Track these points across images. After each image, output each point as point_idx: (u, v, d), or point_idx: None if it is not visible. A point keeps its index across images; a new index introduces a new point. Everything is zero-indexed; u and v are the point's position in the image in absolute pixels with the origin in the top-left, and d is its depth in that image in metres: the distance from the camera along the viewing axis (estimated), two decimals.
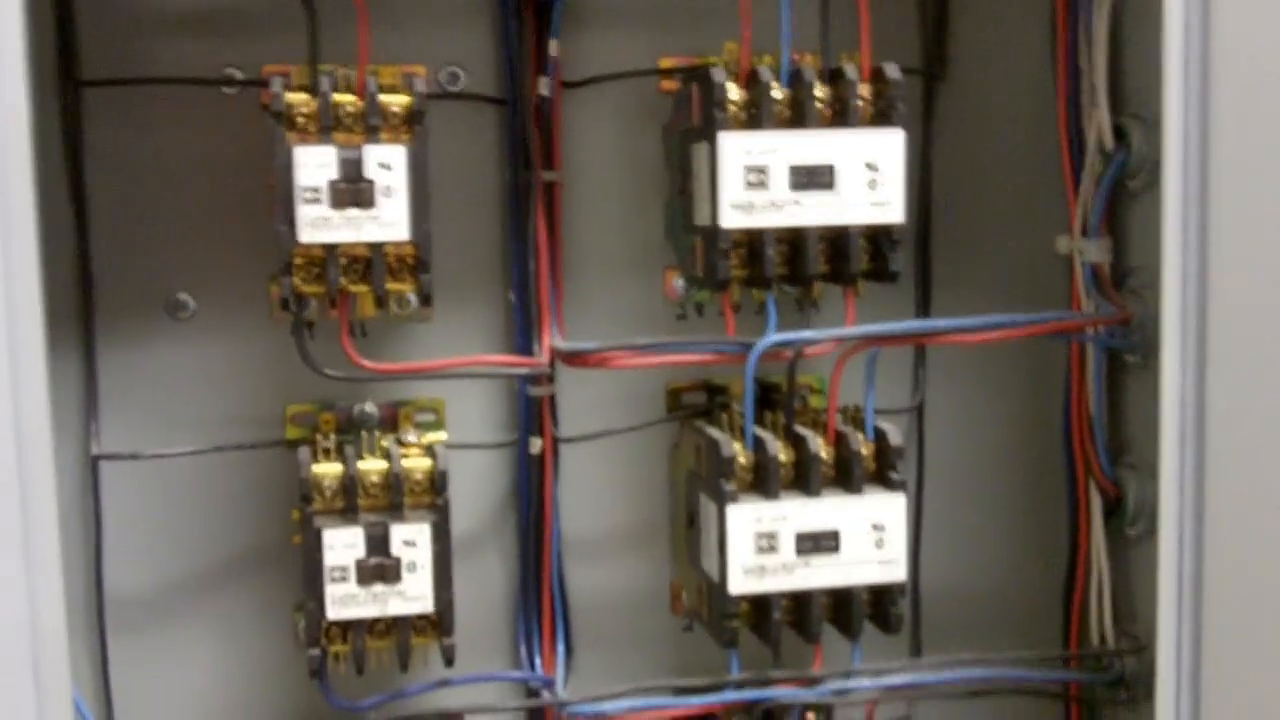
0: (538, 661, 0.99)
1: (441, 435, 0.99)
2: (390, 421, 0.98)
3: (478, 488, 1.01)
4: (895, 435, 0.94)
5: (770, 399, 1.00)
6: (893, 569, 0.94)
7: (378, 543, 0.89)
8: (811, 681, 0.96)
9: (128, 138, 0.94)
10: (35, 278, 0.74)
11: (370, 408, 0.98)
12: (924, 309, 1.05)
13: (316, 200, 0.86)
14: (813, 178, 0.91)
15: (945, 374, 1.06)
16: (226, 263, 0.96)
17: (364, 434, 0.94)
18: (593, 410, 1.01)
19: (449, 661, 0.92)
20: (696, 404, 1.03)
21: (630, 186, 1.01)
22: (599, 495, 1.02)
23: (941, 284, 1.05)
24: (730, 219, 0.90)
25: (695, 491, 0.97)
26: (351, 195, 0.86)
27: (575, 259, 1.01)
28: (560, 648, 1.00)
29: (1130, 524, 0.99)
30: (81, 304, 0.95)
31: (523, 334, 0.98)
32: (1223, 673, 0.88)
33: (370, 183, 0.86)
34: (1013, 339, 0.94)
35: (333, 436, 0.95)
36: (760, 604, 0.94)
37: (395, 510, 0.90)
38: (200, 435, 0.96)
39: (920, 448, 1.06)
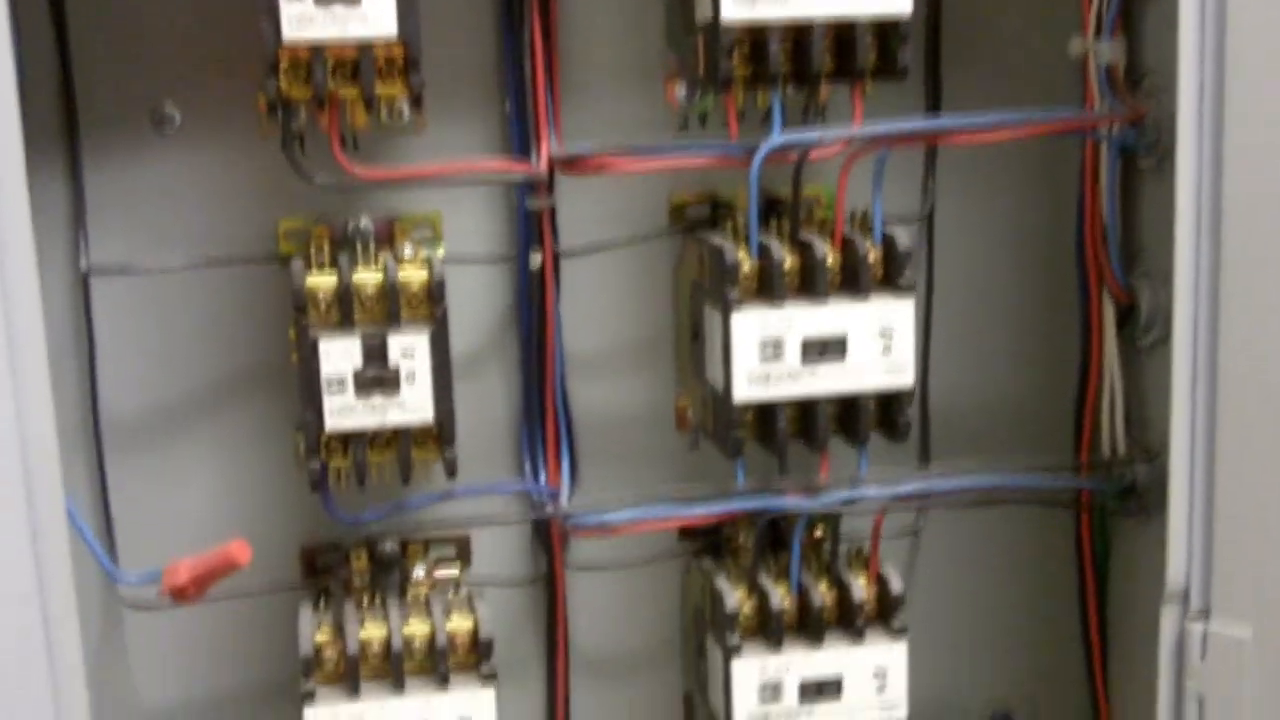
0: (542, 476, 0.98)
1: (439, 250, 0.97)
2: (386, 236, 0.96)
3: (478, 304, 0.99)
4: (904, 238, 0.92)
5: (776, 211, 0.97)
6: (900, 375, 0.92)
7: (375, 353, 0.88)
8: (817, 490, 0.94)
9: None
10: (11, 88, 0.71)
11: (365, 222, 0.95)
12: (933, 113, 1.01)
13: None
14: None
15: (955, 180, 1.03)
16: (214, 74, 0.93)
17: (359, 247, 0.92)
18: (594, 224, 0.99)
19: (451, 473, 0.91)
20: (700, 217, 1.00)
21: None
22: (602, 310, 1.00)
23: (951, 89, 1.01)
24: (732, 11, 0.87)
25: (699, 302, 0.95)
26: None
27: (574, 67, 0.97)
28: (565, 463, 0.99)
29: (1143, 332, 0.98)
30: (65, 118, 0.92)
31: (519, 143, 0.95)
32: (1236, 480, 0.86)
33: None
34: (1025, 138, 0.91)
35: (326, 250, 0.92)
36: (765, 413, 0.93)
37: (392, 321, 0.88)
38: (191, 251, 0.94)
39: (930, 256, 1.03)
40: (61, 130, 0.92)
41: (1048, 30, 1.00)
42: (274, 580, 0.97)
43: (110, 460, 0.95)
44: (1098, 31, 0.95)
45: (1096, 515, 1.03)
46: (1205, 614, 0.87)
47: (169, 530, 0.97)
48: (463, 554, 1.00)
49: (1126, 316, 0.98)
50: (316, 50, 0.85)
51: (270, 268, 0.95)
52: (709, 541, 1.02)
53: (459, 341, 0.97)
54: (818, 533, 1.00)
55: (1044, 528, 1.05)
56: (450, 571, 0.99)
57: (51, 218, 0.92)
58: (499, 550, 1.01)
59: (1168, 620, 0.88)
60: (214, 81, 0.93)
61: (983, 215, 1.04)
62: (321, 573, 0.97)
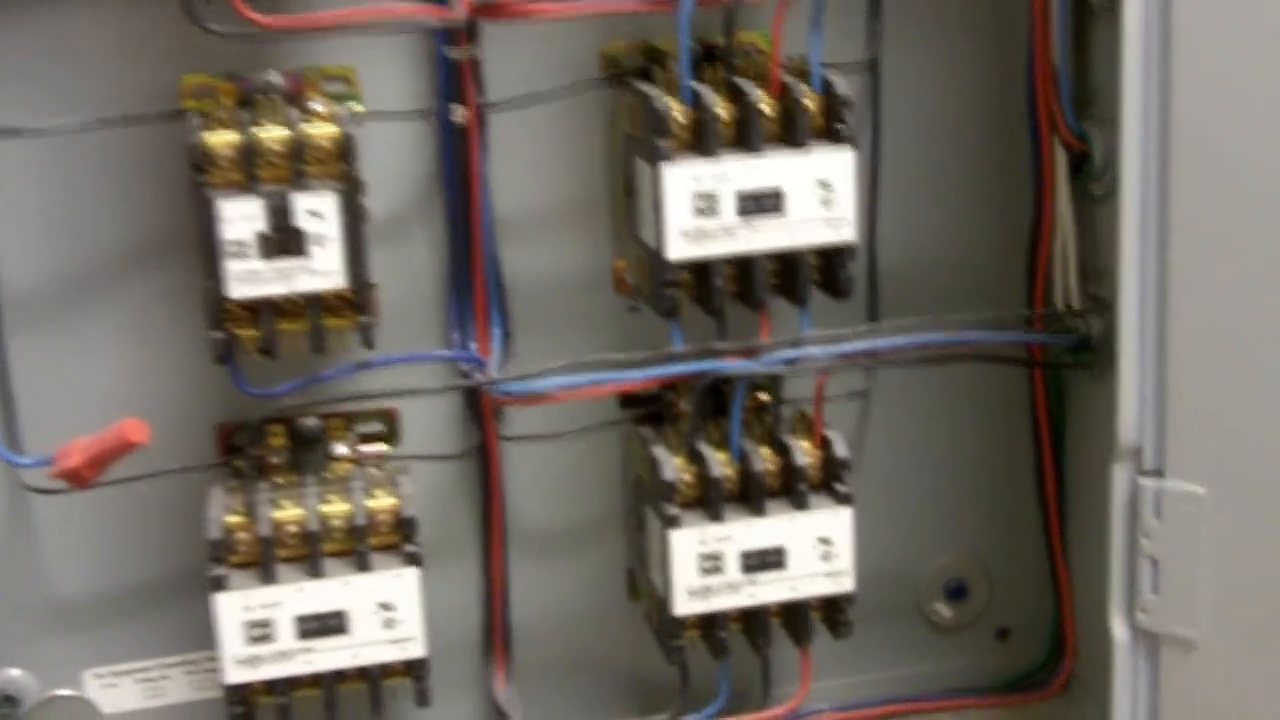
0: (472, 345, 0.94)
1: (355, 106, 0.91)
2: (297, 93, 0.90)
3: (398, 162, 0.93)
4: (844, 86, 0.87)
5: (714, 59, 0.92)
6: (841, 229, 0.88)
7: (280, 214, 0.83)
8: (758, 352, 0.90)
9: None
10: None
11: (275, 77, 0.89)
12: None
13: None
14: None
15: (902, 23, 0.97)
16: None
17: (265, 101, 0.86)
18: (522, 75, 0.93)
19: (369, 343, 0.86)
20: (633, 66, 0.94)
21: None
22: (533, 167, 0.95)
23: None
24: None
25: (632, 156, 0.90)
26: None
27: None
28: (496, 331, 0.94)
29: (1096, 180, 0.93)
30: None
31: None
32: (1189, 333, 0.82)
33: None
34: None
35: (231, 108, 0.87)
36: (702, 272, 0.88)
37: (299, 180, 0.83)
38: (91, 111, 0.88)
39: (876, 104, 0.98)
40: None
41: None
42: (188, 460, 0.93)
43: (11, 336, 0.90)
44: None
45: (1050, 371, 0.99)
46: (1159, 472, 0.84)
47: (77, 409, 0.92)
48: (390, 428, 0.96)
49: (1080, 165, 0.94)
50: None
51: (176, 127, 0.88)
52: (651, 409, 0.98)
53: (380, 203, 0.91)
54: (763, 397, 0.96)
55: (997, 385, 1.02)
56: (376, 447, 0.95)
57: None
58: (429, 423, 0.97)
59: (1120, 478, 0.85)
60: None
61: (931, 60, 0.99)
62: (238, 451, 0.93)
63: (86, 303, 0.92)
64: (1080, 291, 0.95)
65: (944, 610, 1.07)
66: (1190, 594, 0.84)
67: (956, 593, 1.07)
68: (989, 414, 1.04)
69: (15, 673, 0.96)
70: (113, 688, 0.97)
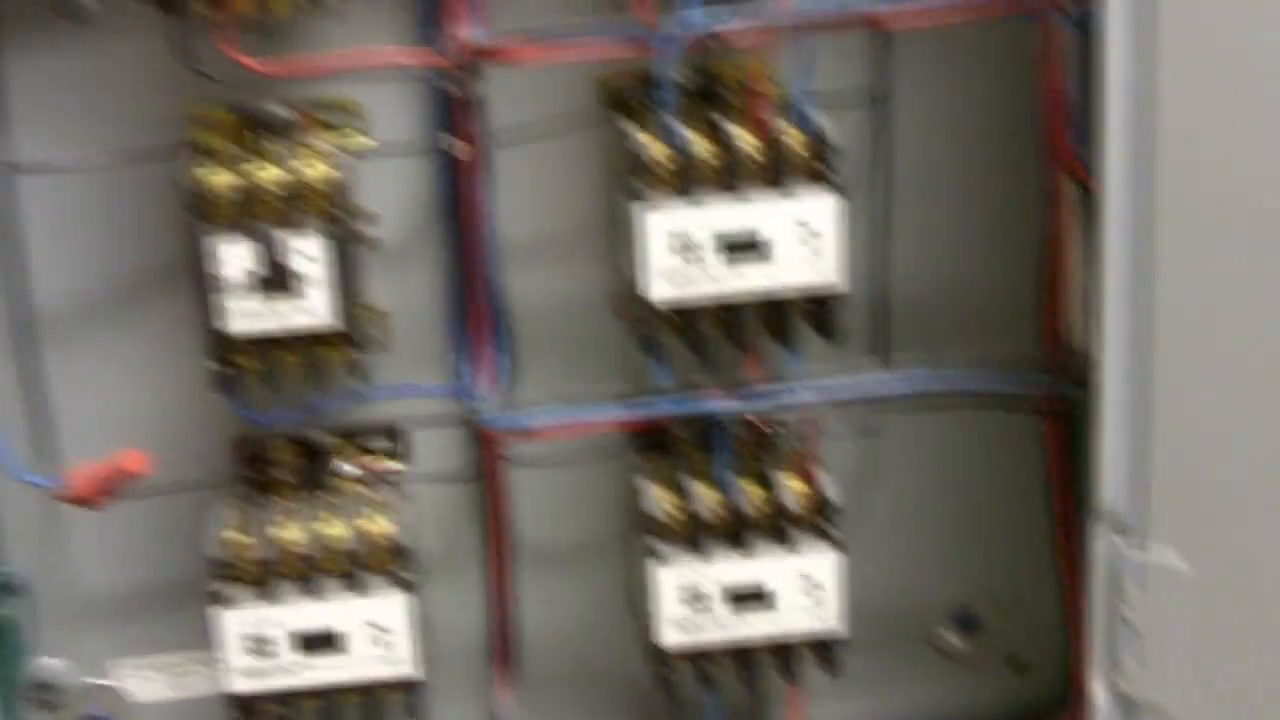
0: (475, 374, 0.99)
1: (358, 139, 0.97)
2: (301, 125, 0.96)
3: (402, 192, 0.99)
4: (831, 129, 0.90)
5: (713, 90, 0.95)
6: (827, 275, 0.91)
7: (272, 255, 0.89)
8: (744, 392, 0.94)
9: None
10: None
11: (279, 109, 0.95)
12: None
13: None
14: None
15: (911, 57, 0.99)
16: None
17: (263, 141, 0.92)
18: (522, 107, 0.97)
19: (360, 378, 0.93)
20: (632, 97, 0.98)
21: None
22: (535, 196, 0.99)
23: None
24: None
25: (618, 191, 0.95)
26: None
27: None
28: (498, 361, 0.99)
29: None
30: None
31: (431, 31, 0.93)
32: (1172, 397, 0.83)
33: None
34: (956, 20, 0.87)
35: (228, 144, 0.93)
36: (687, 311, 0.92)
37: (292, 221, 0.89)
38: (113, 144, 0.96)
39: (886, 138, 1.00)
40: None
41: None
42: (208, 472, 1.01)
43: (46, 353, 0.99)
44: None
45: (1064, 420, 1.01)
46: (1141, 540, 0.85)
47: (106, 421, 1.00)
48: (398, 444, 1.02)
49: (1090, 198, 0.95)
50: None
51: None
52: (652, 438, 1.02)
53: (387, 230, 0.97)
54: (770, 429, 1.00)
55: (1009, 422, 1.03)
56: (385, 465, 1.01)
57: None
58: (436, 442, 1.03)
59: (1101, 541, 0.87)
60: None
61: (942, 93, 1.00)
62: (251, 465, 1.00)
63: (113, 323, 1.00)
64: (1092, 329, 0.96)
65: (954, 640, 1.10)
66: (1169, 666, 0.85)
67: (967, 623, 1.10)
68: (1001, 450, 1.06)
69: (53, 662, 1.06)
70: (142, 679, 1.07)
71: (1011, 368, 0.98)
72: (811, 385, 0.95)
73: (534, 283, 1.01)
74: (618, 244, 0.97)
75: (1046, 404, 1.00)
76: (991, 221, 1.02)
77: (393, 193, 0.98)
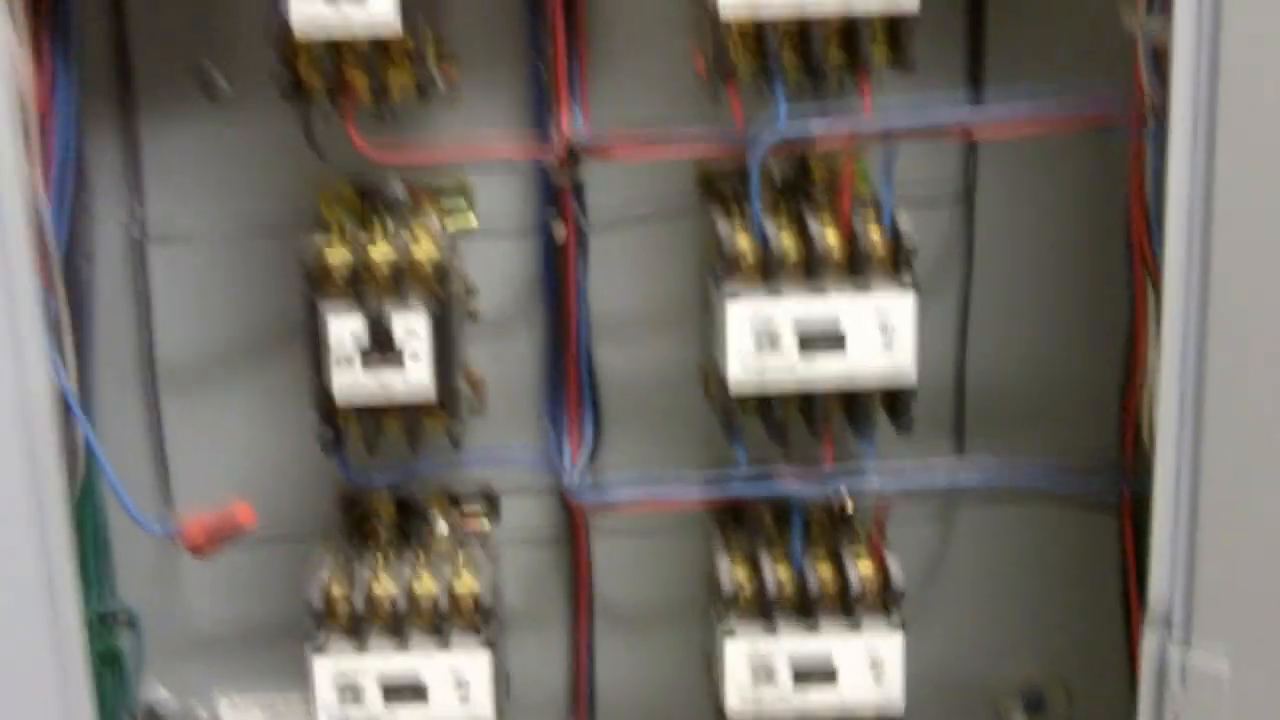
0: (565, 443, 1.05)
1: (468, 219, 1.04)
2: (416, 203, 1.03)
3: (508, 270, 1.06)
4: (909, 231, 0.95)
5: (804, 184, 1.01)
6: (901, 370, 0.96)
7: (379, 329, 0.96)
8: (819, 476, 0.99)
9: None
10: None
11: (398, 188, 1.03)
12: (974, 84, 1.02)
13: None
14: None
15: (997, 157, 1.04)
16: (261, 44, 1.00)
17: (377, 220, 1.00)
18: (622, 193, 1.04)
19: (455, 444, 0.99)
20: (728, 188, 1.04)
21: None
22: (628, 278, 1.06)
23: (996, 57, 1.03)
24: (731, 9, 0.90)
25: (707, 277, 1.00)
26: None
27: (604, 34, 1.02)
28: (588, 429, 1.06)
29: None
30: (121, 89, 1.02)
31: (539, 117, 1.01)
32: (1220, 505, 0.87)
33: None
34: (1035, 131, 0.92)
35: (347, 222, 1.00)
36: (764, 397, 0.97)
37: (399, 298, 0.96)
38: (238, 214, 1.04)
39: (969, 234, 1.05)
40: (117, 99, 1.02)
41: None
42: (313, 521, 1.08)
43: (166, 405, 1.07)
44: (1149, 5, 0.94)
45: (1135, 507, 1.04)
46: (1186, 641, 0.89)
47: (220, 471, 1.09)
48: (492, 508, 1.09)
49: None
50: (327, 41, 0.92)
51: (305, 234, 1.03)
52: (730, 511, 1.07)
53: (489, 307, 1.05)
54: (849, 508, 1.05)
55: (1083, 515, 1.07)
56: (478, 524, 1.08)
57: (110, 180, 1.03)
58: (527, 505, 1.10)
59: (1149, 642, 0.90)
60: (261, 51, 1.01)
61: (1027, 192, 1.05)
62: (356, 520, 1.07)
63: (230, 380, 1.08)
64: None
65: None
66: None
67: (1034, 705, 1.13)
68: (1076, 537, 1.10)
69: (161, 692, 1.13)
70: (241, 712, 1.14)
71: (1086, 465, 1.02)
72: (885, 472, 0.99)
73: (625, 359, 1.07)
74: (708, 326, 1.03)
75: (1121, 500, 1.03)
76: (1071, 320, 1.07)
77: (497, 269, 1.05)
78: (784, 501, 1.02)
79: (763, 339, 0.95)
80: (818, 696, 1.00)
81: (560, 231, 1.02)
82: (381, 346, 0.96)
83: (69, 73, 0.97)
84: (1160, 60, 0.93)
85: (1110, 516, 1.05)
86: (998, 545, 1.11)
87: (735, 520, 1.07)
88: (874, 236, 0.95)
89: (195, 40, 1.02)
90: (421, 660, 1.00)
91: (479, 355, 1.06)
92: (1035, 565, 1.12)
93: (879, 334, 0.95)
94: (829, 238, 0.96)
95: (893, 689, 1.00)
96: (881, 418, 0.99)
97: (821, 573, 1.01)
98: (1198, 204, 0.84)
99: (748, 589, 1.01)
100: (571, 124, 0.99)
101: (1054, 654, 1.13)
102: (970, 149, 1.03)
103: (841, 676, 1.00)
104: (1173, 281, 0.85)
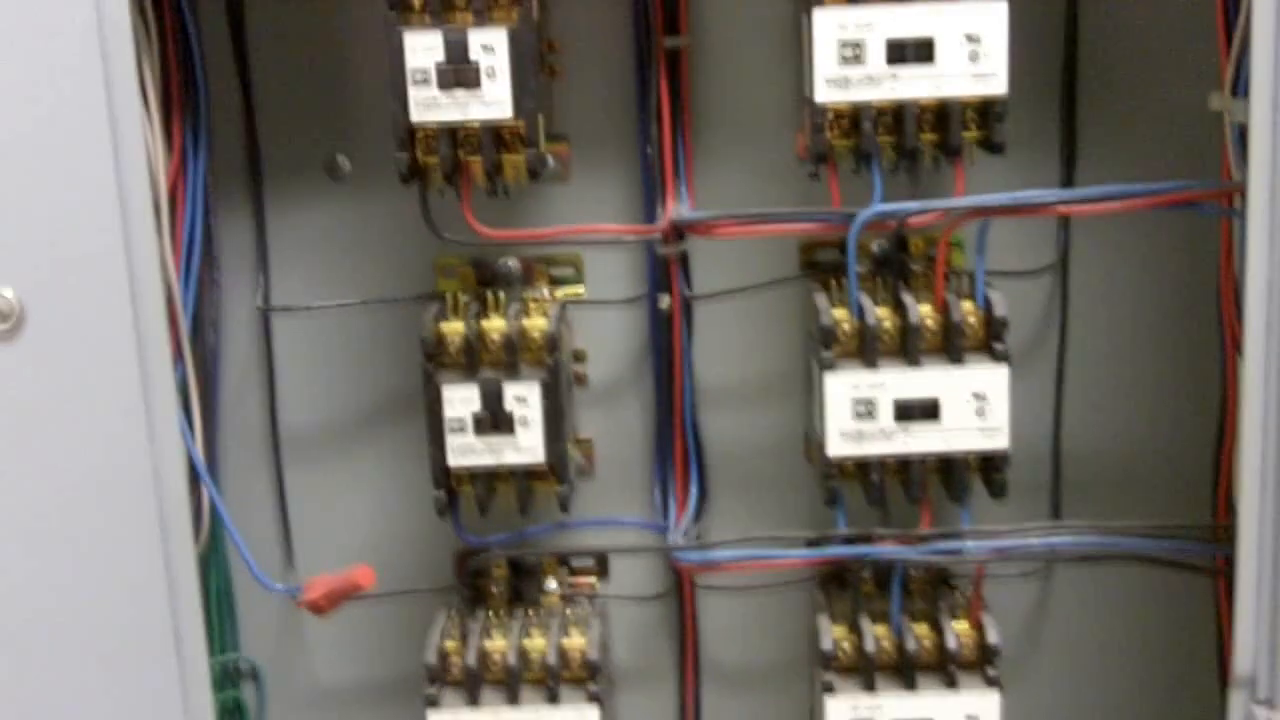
0: (671, 505, 1.11)
1: (579, 290, 1.10)
2: (529, 277, 1.10)
3: (618, 339, 1.12)
4: (1001, 305, 0.99)
5: (902, 259, 1.06)
6: (994, 438, 1.00)
7: (492, 398, 1.02)
8: (917, 540, 1.03)
9: (287, 13, 1.07)
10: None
11: (512, 263, 1.09)
12: (1068, 168, 1.07)
13: (426, 82, 0.97)
14: (912, 50, 0.95)
15: (1092, 231, 1.08)
16: (380, 126, 1.07)
17: (490, 294, 1.06)
18: (727, 266, 1.10)
19: (564, 507, 1.05)
20: (829, 260, 1.09)
21: (764, 47, 1.07)
22: (732, 348, 1.11)
23: (1089, 142, 1.07)
24: (825, 94, 0.95)
25: (808, 352, 1.05)
26: (456, 76, 0.96)
27: (712, 120, 1.08)
28: (694, 492, 1.11)
29: None
30: (249, 169, 1.09)
31: (648, 199, 1.07)
32: None
33: (474, 64, 0.96)
34: (1123, 211, 0.96)
35: (462, 296, 1.06)
36: (863, 465, 1.02)
37: (510, 369, 1.02)
38: (359, 288, 1.11)
39: (1064, 305, 1.09)
40: (247, 180, 1.09)
41: (1192, 81, 1.03)
42: (433, 579, 1.14)
43: (289, 474, 1.14)
44: (1234, 89, 0.97)
45: (1230, 570, 1.07)
46: (1270, 702, 0.92)
47: (340, 532, 1.15)
48: (601, 567, 1.14)
49: None
50: (443, 126, 0.98)
51: (422, 306, 1.09)
52: (833, 572, 1.12)
53: (601, 374, 1.11)
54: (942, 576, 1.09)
55: (1179, 581, 1.09)
56: (588, 584, 1.14)
57: (241, 258, 1.10)
58: (636, 565, 1.15)
59: (1235, 705, 0.93)
60: (380, 134, 1.08)
61: (1118, 263, 1.09)
62: (471, 580, 1.13)
63: (348, 447, 1.14)
64: None
65: None
66: None
67: None
68: (1172, 602, 1.13)
69: None
70: None
71: (1180, 530, 1.05)
72: (980, 537, 1.03)
73: (730, 426, 1.12)
74: (809, 396, 1.08)
75: (1214, 564, 1.06)
76: (1165, 389, 1.10)
77: (607, 339, 1.11)
78: (883, 566, 1.07)
79: (860, 408, 1.00)
80: None
81: (665, 301, 1.07)
82: (495, 416, 1.02)
83: (199, 153, 1.04)
84: (1245, 140, 0.98)
85: (1205, 580, 1.08)
86: (1094, 608, 1.15)
87: (837, 582, 1.12)
88: (967, 309, 0.99)
89: (321, 124, 1.09)
90: (531, 715, 1.06)
91: (590, 421, 1.12)
92: (1131, 628, 1.15)
93: (973, 403, 0.99)
94: (924, 312, 1.00)
95: None
96: (978, 484, 1.03)
97: (919, 634, 1.05)
98: (1277, 279, 0.88)
99: (848, 648, 1.05)
100: (677, 203, 1.04)
101: (1150, 717, 1.16)
102: (1064, 222, 1.08)
103: None
104: (1253, 354, 0.89)
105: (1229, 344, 1.03)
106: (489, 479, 1.05)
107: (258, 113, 1.09)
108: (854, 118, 0.98)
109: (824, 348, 1.00)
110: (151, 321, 0.94)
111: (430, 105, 0.97)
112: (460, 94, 0.97)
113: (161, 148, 1.01)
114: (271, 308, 1.11)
